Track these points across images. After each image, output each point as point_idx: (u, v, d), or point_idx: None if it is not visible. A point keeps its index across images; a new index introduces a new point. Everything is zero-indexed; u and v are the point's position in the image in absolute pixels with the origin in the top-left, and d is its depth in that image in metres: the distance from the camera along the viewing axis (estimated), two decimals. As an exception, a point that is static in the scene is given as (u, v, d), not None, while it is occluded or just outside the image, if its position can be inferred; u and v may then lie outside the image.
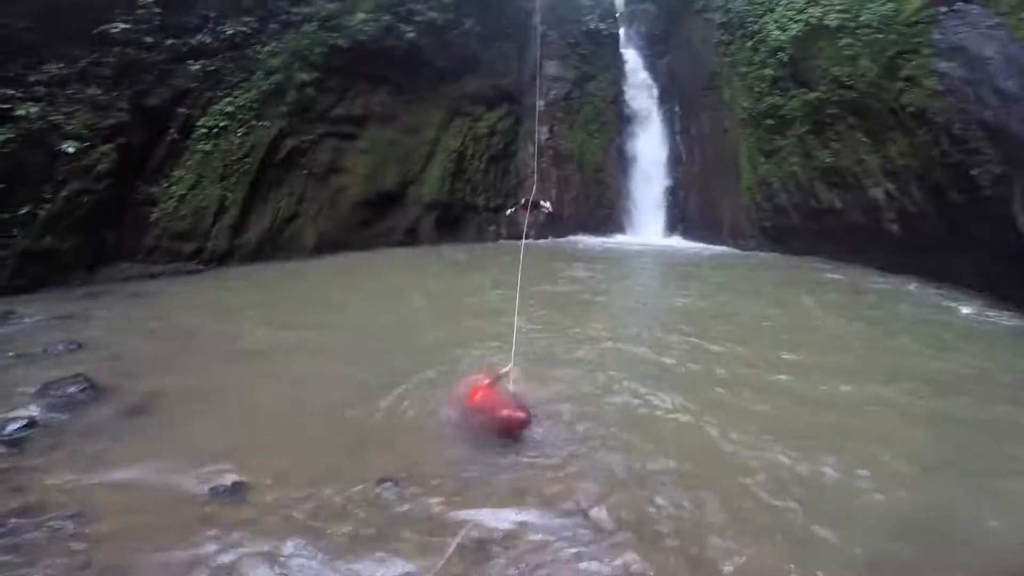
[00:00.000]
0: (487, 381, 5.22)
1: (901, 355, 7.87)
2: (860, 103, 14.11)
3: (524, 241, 6.37)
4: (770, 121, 16.70)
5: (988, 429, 5.68)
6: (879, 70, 13.59)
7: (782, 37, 16.07)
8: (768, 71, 16.54)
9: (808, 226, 15.98)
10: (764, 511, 4.29)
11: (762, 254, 16.69)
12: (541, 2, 20.99)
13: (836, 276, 13.10)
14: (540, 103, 20.87)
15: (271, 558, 3.64)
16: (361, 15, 16.08)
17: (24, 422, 5.09)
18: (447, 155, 18.36)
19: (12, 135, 10.85)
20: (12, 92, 11.14)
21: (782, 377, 6.85)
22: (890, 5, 13.49)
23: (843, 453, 5.04)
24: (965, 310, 10.12)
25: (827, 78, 14.75)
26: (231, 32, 14.30)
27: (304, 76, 15.33)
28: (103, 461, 4.74)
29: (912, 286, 11.98)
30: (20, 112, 10.96)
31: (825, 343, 8.34)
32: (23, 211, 11.02)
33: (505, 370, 5.37)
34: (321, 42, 15.64)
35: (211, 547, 3.73)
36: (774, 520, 4.19)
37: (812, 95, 15.28)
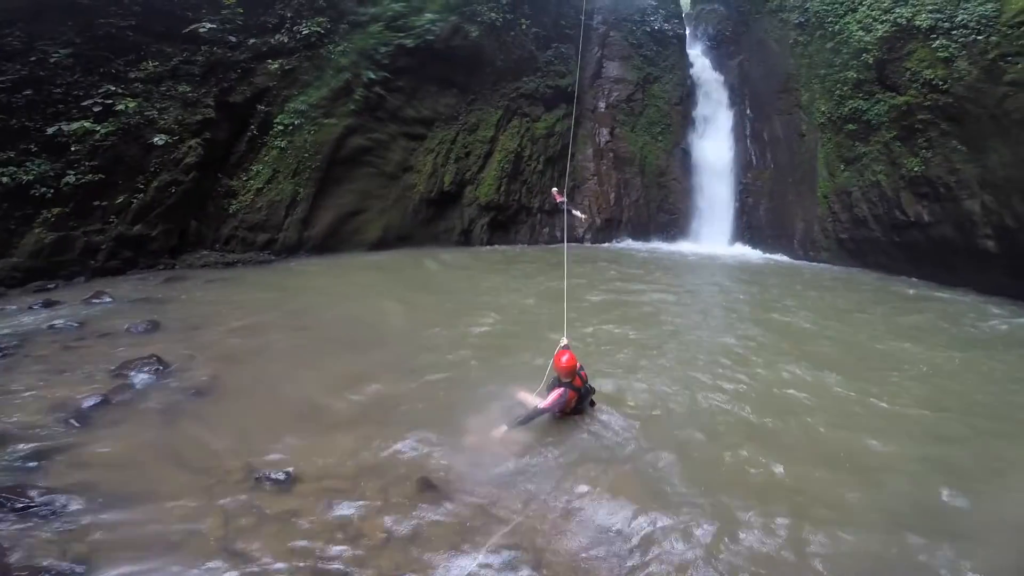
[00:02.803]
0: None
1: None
2: (956, 108, 12.92)
3: (567, 244, 6.48)
4: (852, 126, 15.62)
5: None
6: (979, 73, 12.41)
7: (866, 38, 14.97)
8: (851, 74, 15.46)
9: (890, 239, 14.83)
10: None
11: (837, 268, 15.64)
12: (602, 3, 20.63)
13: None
14: (600, 104, 20.57)
15: (305, 551, 3.75)
16: (429, 15, 16.43)
17: (98, 399, 5.52)
18: (504, 156, 18.44)
19: (113, 128, 11.86)
20: (114, 88, 12.15)
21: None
22: (990, 5, 12.32)
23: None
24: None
25: (918, 81, 13.61)
26: (306, 32, 14.99)
27: (371, 75, 15.82)
28: (159, 440, 5.05)
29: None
30: (120, 107, 11.94)
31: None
32: (119, 199, 12.05)
33: (563, 343, 5.71)
34: (387, 42, 16.12)
35: (245, 535, 3.86)
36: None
37: (900, 99, 14.15)
